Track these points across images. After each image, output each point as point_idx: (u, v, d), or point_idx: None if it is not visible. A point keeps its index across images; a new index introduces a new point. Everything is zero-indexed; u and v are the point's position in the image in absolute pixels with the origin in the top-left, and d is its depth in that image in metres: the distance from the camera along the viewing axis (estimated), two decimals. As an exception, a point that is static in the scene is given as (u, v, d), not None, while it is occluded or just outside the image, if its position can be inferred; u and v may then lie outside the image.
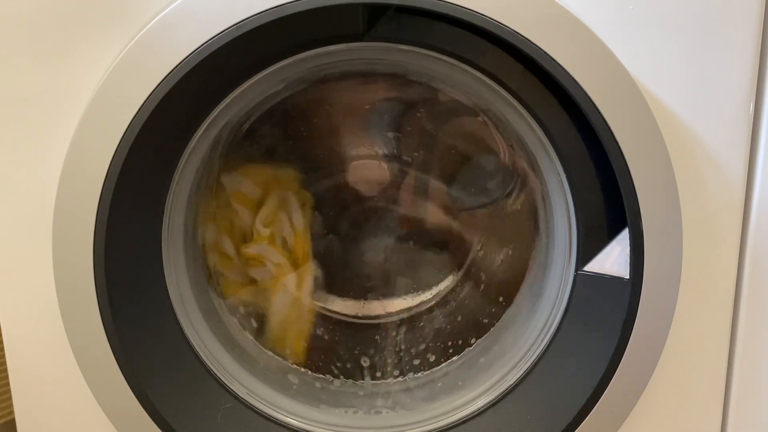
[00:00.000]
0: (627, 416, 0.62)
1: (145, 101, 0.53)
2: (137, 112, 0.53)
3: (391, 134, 0.81)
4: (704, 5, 0.58)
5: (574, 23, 0.54)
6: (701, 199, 0.62)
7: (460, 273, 0.86)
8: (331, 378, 0.76)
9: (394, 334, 0.84)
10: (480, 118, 0.77)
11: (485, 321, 0.78)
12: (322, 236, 0.85)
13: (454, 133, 0.81)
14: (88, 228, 0.55)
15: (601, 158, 0.56)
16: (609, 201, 0.59)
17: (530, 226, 0.78)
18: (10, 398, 0.68)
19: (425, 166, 0.83)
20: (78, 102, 0.58)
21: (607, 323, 0.60)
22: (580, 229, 0.61)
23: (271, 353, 0.76)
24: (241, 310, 0.78)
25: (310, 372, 0.76)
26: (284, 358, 0.77)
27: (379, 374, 0.78)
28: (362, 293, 0.86)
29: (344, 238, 0.85)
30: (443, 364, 0.77)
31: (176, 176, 0.61)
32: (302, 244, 0.82)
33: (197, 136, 0.60)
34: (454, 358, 0.77)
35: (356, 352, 0.81)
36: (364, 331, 0.84)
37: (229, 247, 0.78)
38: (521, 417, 0.64)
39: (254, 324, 0.78)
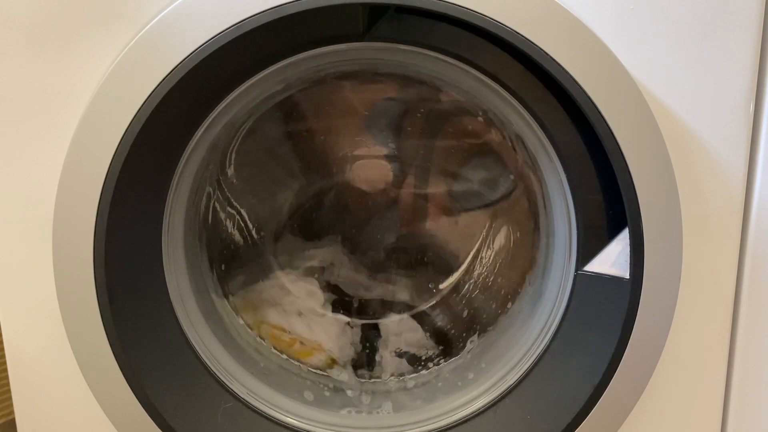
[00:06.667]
0: (627, 416, 0.62)
1: (145, 101, 0.53)
2: (137, 112, 0.53)
3: (391, 134, 0.81)
4: (704, 5, 0.58)
5: (574, 23, 0.54)
6: (701, 200, 0.62)
7: (460, 273, 0.86)
8: (331, 377, 0.76)
9: (394, 334, 0.84)
10: (480, 118, 0.77)
11: (485, 321, 0.78)
12: (321, 237, 0.85)
13: (454, 133, 0.81)
14: (88, 228, 0.55)
15: (601, 158, 0.56)
16: (609, 201, 0.59)
17: (530, 226, 0.77)
18: (10, 398, 0.68)
19: (425, 166, 0.83)
20: (78, 102, 0.58)
21: (607, 323, 0.60)
22: (580, 229, 0.61)
23: (272, 350, 0.76)
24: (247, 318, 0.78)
25: (312, 370, 0.76)
26: (288, 356, 0.77)
27: (379, 374, 0.78)
28: (363, 293, 0.86)
29: (344, 238, 0.85)
30: (443, 364, 0.77)
31: (176, 176, 0.61)
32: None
33: (197, 136, 0.60)
34: (454, 358, 0.77)
35: (356, 351, 0.81)
36: (365, 331, 0.84)
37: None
38: (521, 417, 0.64)
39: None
